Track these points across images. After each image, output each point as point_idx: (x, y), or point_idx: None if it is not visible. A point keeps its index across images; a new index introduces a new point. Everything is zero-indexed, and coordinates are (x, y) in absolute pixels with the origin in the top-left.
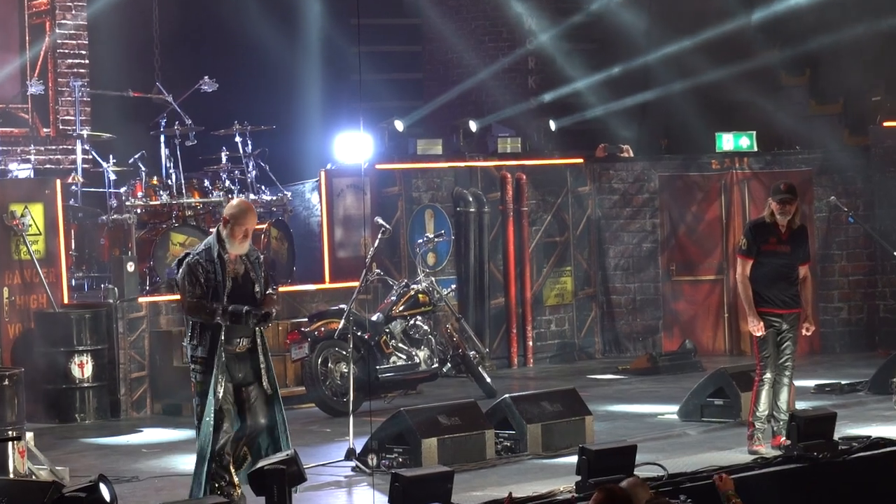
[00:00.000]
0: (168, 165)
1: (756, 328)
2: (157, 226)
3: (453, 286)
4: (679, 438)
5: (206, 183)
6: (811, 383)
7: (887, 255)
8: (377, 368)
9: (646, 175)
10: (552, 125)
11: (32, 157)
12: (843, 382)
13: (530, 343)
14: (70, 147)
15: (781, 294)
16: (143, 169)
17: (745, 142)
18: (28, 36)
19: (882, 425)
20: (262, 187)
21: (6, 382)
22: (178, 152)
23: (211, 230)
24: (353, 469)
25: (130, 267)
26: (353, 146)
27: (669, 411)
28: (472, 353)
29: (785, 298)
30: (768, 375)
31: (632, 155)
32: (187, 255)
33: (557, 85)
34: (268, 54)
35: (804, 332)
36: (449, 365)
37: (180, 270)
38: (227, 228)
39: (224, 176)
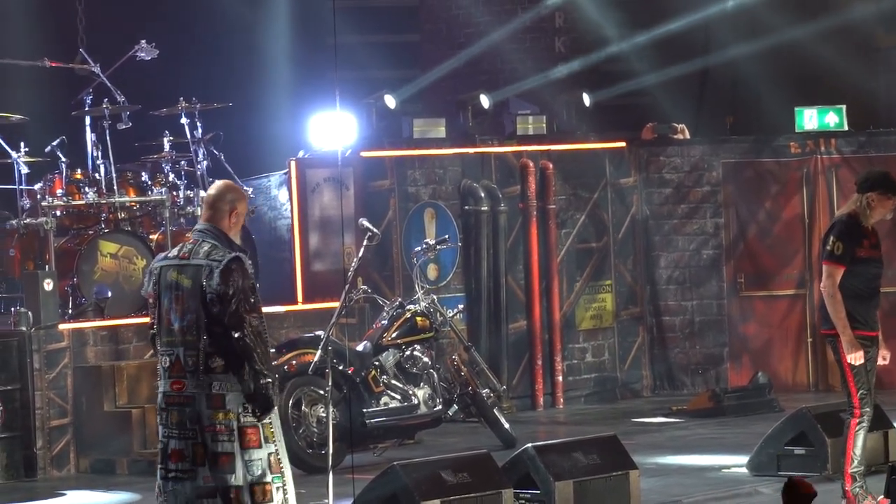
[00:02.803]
0: (95, 155)
1: (856, 356)
2: (82, 232)
3: (461, 306)
4: (750, 498)
5: (145, 177)
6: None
7: None
8: (364, 412)
9: (706, 162)
10: (586, 100)
11: None
12: None
13: (560, 378)
14: None
15: (874, 312)
16: (64, 160)
17: (833, 119)
18: None
19: None
20: (216, 181)
21: None
22: (108, 138)
23: (151, 236)
24: None
25: (48, 285)
26: (332, 129)
27: (737, 463)
28: (486, 391)
29: (875, 318)
30: (868, 415)
31: (688, 137)
32: (235, 255)
33: (593, 48)
34: (222, 13)
35: (882, 360)
36: (456, 406)
37: (231, 276)
38: (236, 218)
39: (167, 168)
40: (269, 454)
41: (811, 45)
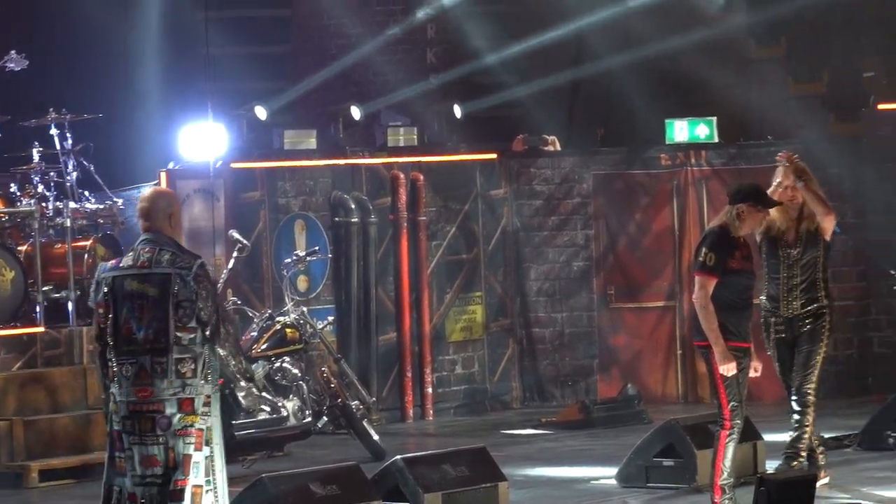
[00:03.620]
0: None
1: (728, 367)
2: None
3: (331, 318)
4: None
5: (13, 188)
6: (785, 437)
7: (883, 275)
8: (232, 424)
9: (577, 174)
10: (457, 111)
11: None
12: (826, 436)
13: (429, 390)
14: None
15: (746, 324)
16: None
17: (704, 130)
18: None
19: (875, 488)
20: (86, 193)
21: None
22: None
23: (20, 248)
24: None
25: None
26: (203, 140)
27: (606, 475)
28: (355, 402)
29: (748, 329)
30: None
31: (559, 148)
32: (201, 261)
33: (464, 60)
34: (93, 23)
35: (753, 371)
36: (325, 418)
37: (203, 281)
38: (174, 222)
39: (36, 179)
40: (206, 457)
41: (683, 57)
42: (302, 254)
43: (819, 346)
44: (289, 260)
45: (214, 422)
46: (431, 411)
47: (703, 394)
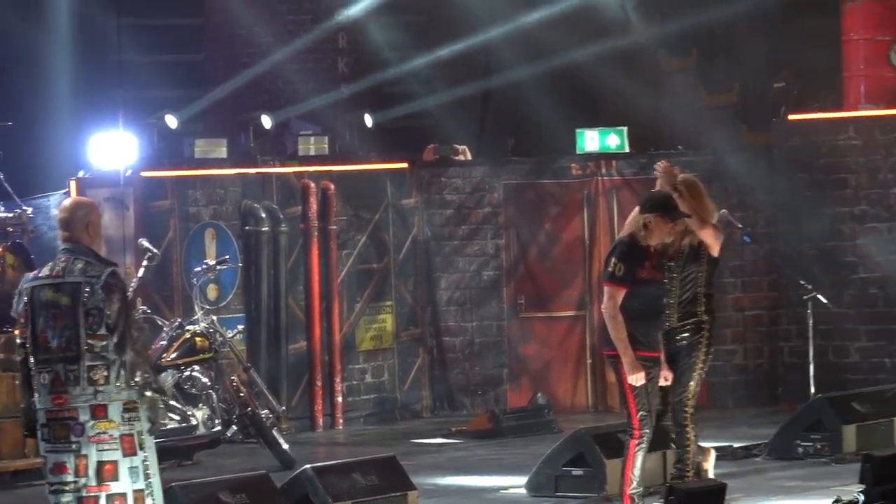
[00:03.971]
0: None
1: (637, 377)
2: None
3: (241, 327)
4: None
5: None
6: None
7: (793, 284)
8: None
9: (487, 184)
10: (368, 120)
11: None
12: (736, 445)
13: (339, 399)
14: None
15: (656, 333)
16: None
17: (614, 140)
18: None
19: (784, 498)
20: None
21: None
22: None
23: None
24: None
25: None
26: (113, 148)
27: (516, 484)
28: (265, 411)
29: (658, 339)
30: (647, 436)
31: (469, 158)
32: (112, 270)
33: (375, 69)
34: (2, 30)
35: (663, 381)
36: (235, 427)
37: (112, 289)
38: (93, 230)
39: None
40: (143, 461)
41: (594, 68)
42: (212, 262)
43: (695, 362)
44: (199, 269)
45: (146, 426)
46: (341, 420)
47: (612, 403)
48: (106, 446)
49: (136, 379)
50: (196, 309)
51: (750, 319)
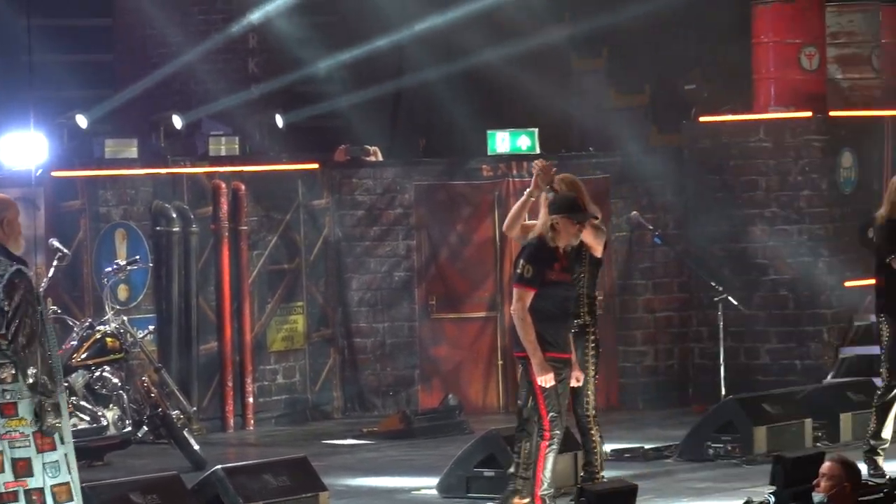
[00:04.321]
0: None
1: (546, 378)
2: None
3: (151, 327)
4: None
5: None
6: (607, 448)
7: (704, 286)
8: None
9: (398, 185)
10: (279, 121)
11: None
12: (646, 447)
13: (250, 400)
14: None
15: (565, 335)
16: None
17: (525, 142)
18: None
19: (695, 500)
20: None
21: None
22: None
23: None
24: None
25: None
26: (23, 148)
27: (427, 485)
28: (176, 412)
29: (568, 340)
30: (558, 437)
31: (380, 159)
32: (17, 268)
33: (286, 69)
34: None
35: (575, 381)
36: (145, 428)
37: (14, 287)
38: (8, 228)
39: None
40: (66, 454)
41: (505, 69)
42: (122, 263)
43: (587, 367)
44: (109, 269)
45: (64, 422)
46: (252, 421)
47: None
48: (18, 443)
49: (28, 380)
50: (107, 309)
51: (660, 321)
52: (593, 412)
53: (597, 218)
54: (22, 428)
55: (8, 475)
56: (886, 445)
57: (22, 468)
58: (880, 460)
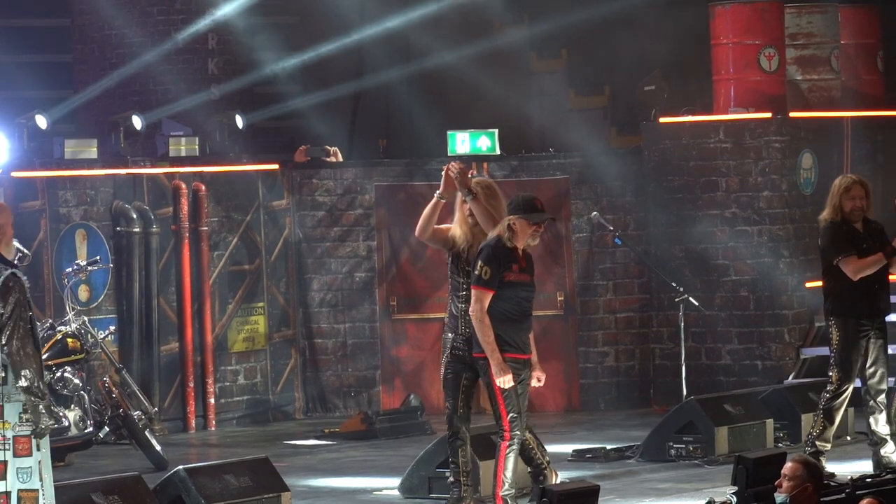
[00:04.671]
0: None
1: (505, 379)
2: None
3: (112, 328)
4: None
5: None
6: (568, 448)
7: (665, 286)
8: None
9: (359, 185)
10: (239, 121)
11: None
12: (608, 447)
13: (212, 400)
14: None
15: (525, 335)
16: None
17: (485, 143)
18: None
19: (657, 500)
20: None
21: None
22: None
23: None
24: None
25: None
26: None
27: (389, 486)
28: (137, 413)
29: (527, 341)
30: (518, 438)
31: (340, 159)
32: (11, 272)
33: (246, 70)
34: None
35: (536, 381)
36: (107, 428)
37: (8, 291)
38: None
39: None
40: (39, 461)
41: (465, 70)
42: (83, 263)
43: None
44: (70, 269)
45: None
46: (214, 421)
47: (484, 405)
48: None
49: (21, 382)
50: (67, 310)
51: (621, 321)
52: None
53: (553, 219)
54: (4, 431)
55: None
56: (829, 447)
57: None
58: (823, 460)
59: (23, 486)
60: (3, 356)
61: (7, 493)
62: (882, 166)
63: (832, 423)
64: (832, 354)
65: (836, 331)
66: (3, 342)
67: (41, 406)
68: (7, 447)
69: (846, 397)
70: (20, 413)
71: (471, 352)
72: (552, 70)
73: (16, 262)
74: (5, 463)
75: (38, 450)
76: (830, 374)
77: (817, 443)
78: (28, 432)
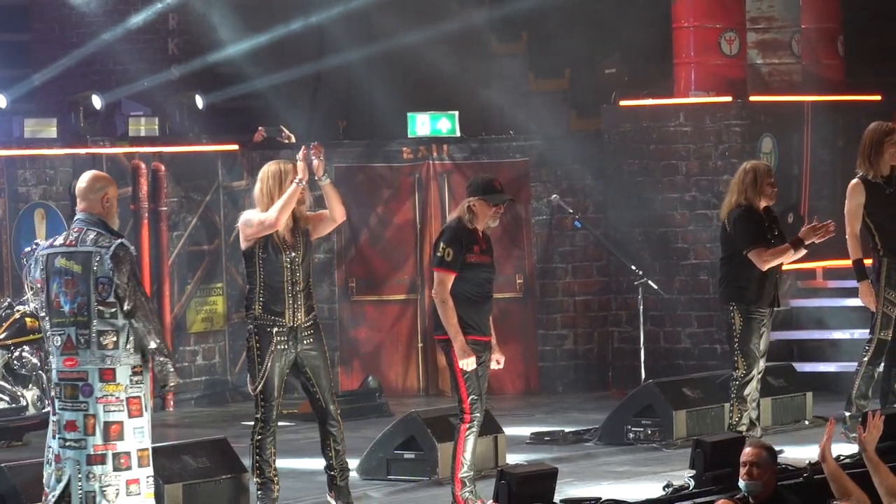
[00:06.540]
0: None
1: (467, 361)
2: None
3: None
4: (359, 502)
5: None
6: (526, 431)
7: (624, 270)
8: None
9: None
10: (199, 101)
11: None
12: (566, 430)
13: None
14: None
15: (486, 317)
16: None
17: (445, 125)
18: None
19: (615, 483)
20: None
21: None
22: None
23: None
24: None
25: None
26: None
27: None
28: None
29: (488, 323)
30: (478, 420)
31: (294, 141)
32: (121, 242)
33: (206, 50)
34: None
35: (496, 364)
36: None
37: (121, 260)
38: (108, 203)
39: None
40: (148, 421)
41: (425, 51)
42: (42, 242)
43: (326, 359)
44: (29, 248)
45: (145, 391)
46: (172, 402)
47: (444, 387)
48: (112, 408)
49: (151, 345)
50: (26, 289)
51: (580, 304)
52: (337, 412)
53: (512, 200)
54: (118, 393)
55: (98, 438)
56: (758, 432)
57: (115, 432)
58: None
59: (139, 446)
60: (117, 322)
61: (128, 454)
62: (842, 150)
63: (746, 408)
64: (735, 341)
65: (738, 318)
66: (128, 310)
67: (169, 364)
68: (122, 408)
69: (757, 380)
70: (130, 375)
71: (296, 345)
72: (512, 53)
73: None
74: (121, 423)
75: (146, 410)
76: (735, 360)
77: (743, 431)
78: (139, 393)
